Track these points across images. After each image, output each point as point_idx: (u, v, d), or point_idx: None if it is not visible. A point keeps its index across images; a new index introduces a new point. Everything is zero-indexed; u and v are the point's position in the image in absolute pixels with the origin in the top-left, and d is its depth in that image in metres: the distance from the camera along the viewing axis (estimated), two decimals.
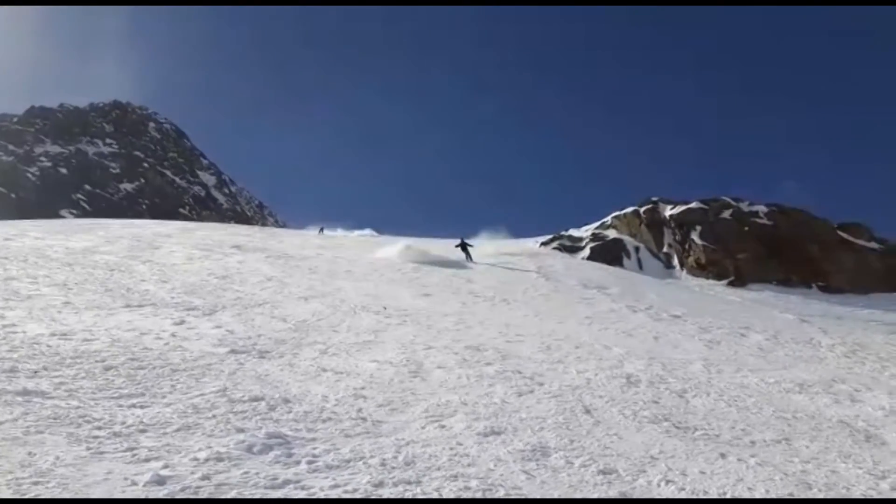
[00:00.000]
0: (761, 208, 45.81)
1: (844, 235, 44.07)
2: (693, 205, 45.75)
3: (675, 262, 43.20)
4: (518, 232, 52.75)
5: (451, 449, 6.26)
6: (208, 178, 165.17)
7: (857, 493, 6.04)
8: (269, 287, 17.64)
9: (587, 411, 8.41)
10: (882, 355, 16.90)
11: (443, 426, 7.10)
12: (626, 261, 42.80)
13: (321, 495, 4.73)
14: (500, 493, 5.06)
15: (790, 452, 7.35)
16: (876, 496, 6.03)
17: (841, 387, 11.73)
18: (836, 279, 39.94)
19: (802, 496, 5.72)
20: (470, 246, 33.37)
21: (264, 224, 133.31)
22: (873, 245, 43.80)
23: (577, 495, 5.20)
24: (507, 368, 10.69)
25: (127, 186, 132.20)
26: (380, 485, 5.02)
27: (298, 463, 5.36)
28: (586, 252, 43.45)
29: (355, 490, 4.86)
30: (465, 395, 8.58)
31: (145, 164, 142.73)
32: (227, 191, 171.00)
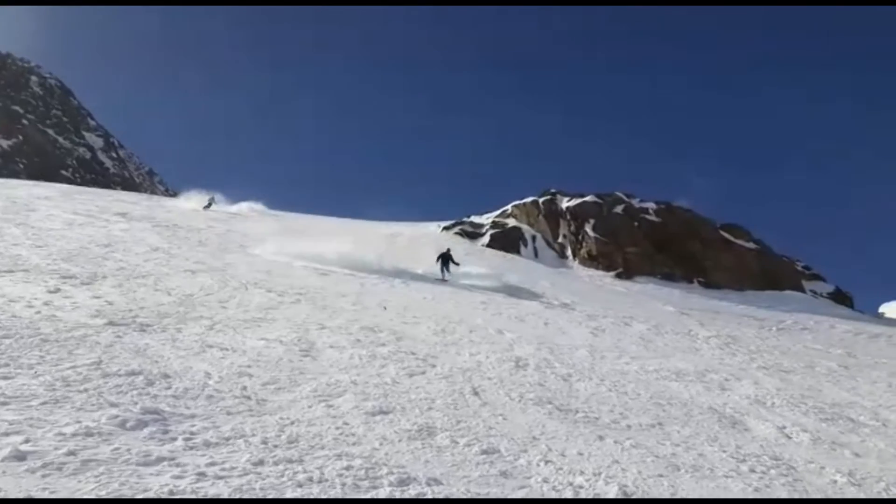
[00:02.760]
0: (651, 205, 48.00)
1: (726, 235, 46.94)
2: (588, 198, 47.31)
3: (569, 252, 44.59)
4: (421, 215, 52.86)
5: (338, 428, 6.19)
6: (95, 140, 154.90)
7: (720, 475, 6.43)
8: (154, 258, 16.80)
9: (476, 393, 8.54)
10: (752, 348, 18.16)
11: (330, 406, 7.00)
12: (523, 249, 43.78)
13: (197, 473, 4.54)
14: (384, 472, 5.04)
15: (663, 436, 7.75)
16: (736, 477, 6.44)
17: (713, 376, 12.50)
18: (716, 276, 42.49)
19: (671, 477, 6.04)
20: (455, 263, 25.17)
21: (154, 192, 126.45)
22: (751, 245, 46.90)
23: (460, 474, 5.27)
24: (401, 350, 10.69)
25: (2, 143, 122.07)
26: (260, 463, 4.88)
27: (175, 440, 5.14)
28: (486, 239, 44.12)
29: (233, 468, 4.71)
30: (356, 376, 8.50)
31: (24, 121, 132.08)
32: (114, 155, 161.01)
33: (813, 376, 14.42)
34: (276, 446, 5.33)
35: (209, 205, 40.97)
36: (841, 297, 46.25)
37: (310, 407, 6.80)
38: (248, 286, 14.83)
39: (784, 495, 5.88)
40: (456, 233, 44.86)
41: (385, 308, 15.15)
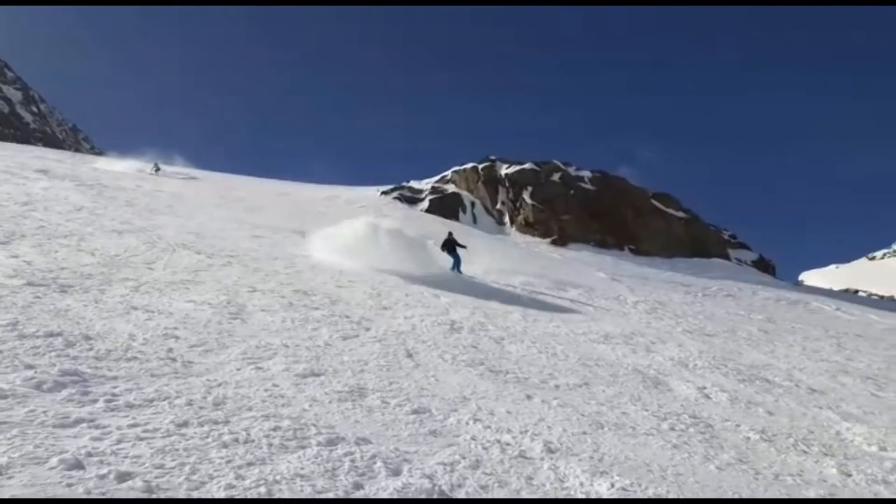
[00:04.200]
0: (586, 174, 48.81)
1: (657, 204, 48.27)
2: (527, 166, 47.74)
3: (507, 219, 45.08)
4: (359, 180, 52.32)
5: (266, 390, 6.12)
6: (13, 94, 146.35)
7: (641, 432, 6.68)
8: (77, 217, 16.10)
9: (409, 355, 8.59)
10: (678, 313, 18.84)
11: (260, 368, 6.91)
12: (461, 215, 44.00)
13: (118, 434, 4.42)
14: (312, 432, 5.02)
15: (589, 395, 7.99)
16: (657, 434, 6.71)
17: (640, 339, 12.93)
18: (646, 244, 43.74)
19: (595, 434, 6.24)
20: (461, 246, 20.74)
21: (78, 150, 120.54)
22: (680, 214, 48.40)
23: (389, 433, 5.30)
24: (335, 313, 10.62)
25: None
26: (184, 424, 4.79)
27: (95, 402, 4.97)
28: (425, 204, 44.10)
29: (156, 430, 4.60)
30: (287, 339, 8.40)
31: None
32: (35, 109, 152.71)
33: (734, 340, 15.08)
34: (201, 408, 5.23)
35: (157, 169, 39.42)
36: (764, 266, 48.40)
37: (238, 369, 6.69)
38: (177, 248, 14.40)
39: (701, 451, 6.15)
40: (395, 198, 44.67)
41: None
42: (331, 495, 3.87)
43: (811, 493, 5.20)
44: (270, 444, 4.70)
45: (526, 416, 6.47)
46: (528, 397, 7.35)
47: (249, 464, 4.29)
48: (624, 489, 4.57)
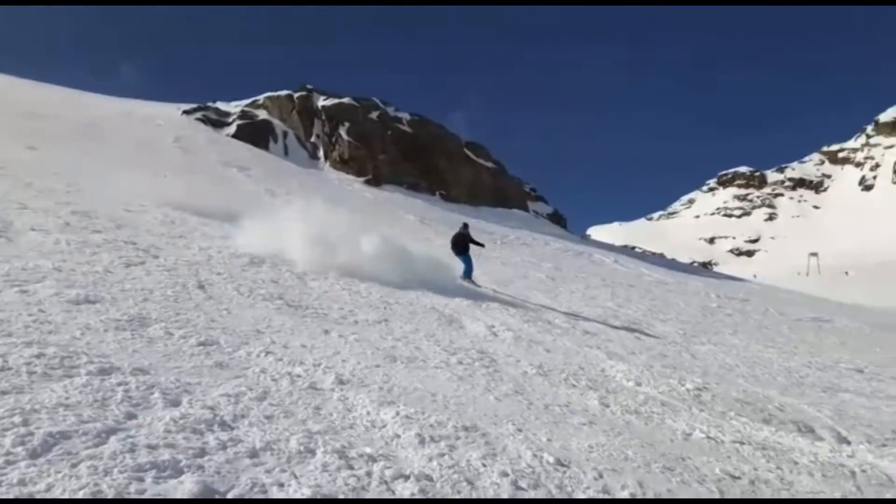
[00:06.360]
0: (405, 116, 49.02)
1: (468, 153, 49.89)
2: (346, 100, 46.78)
3: (321, 153, 44.09)
4: (156, 93, 48.05)
5: (31, 315, 5.51)
6: None
7: (431, 365, 6.93)
8: None
9: (201, 286, 8.17)
10: (479, 257, 19.79)
11: (25, 291, 6.21)
12: (272, 144, 42.23)
13: None
14: (83, 361, 4.60)
15: (386, 331, 8.16)
16: (445, 367, 7.02)
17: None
18: (456, 190, 45.23)
19: (387, 367, 6.39)
20: (478, 244, 15.88)
21: None
22: (489, 165, 50.50)
23: (171, 364, 5.01)
24: (120, 238, 9.80)
25: None
26: None
27: None
28: (233, 129, 41.67)
29: None
30: (60, 262, 7.61)
31: None
32: None
33: (525, 285, 16.20)
34: None
35: None
36: (557, 219, 52.31)
37: None
38: None
39: (483, 383, 6.55)
40: (198, 119, 41.58)
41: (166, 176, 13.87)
42: (98, 425, 3.59)
43: (574, 421, 5.75)
44: (31, 373, 4.25)
45: (321, 350, 6.46)
46: (326, 332, 7.34)
47: (3, 392, 3.85)
48: (408, 417, 4.75)
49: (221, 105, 45.60)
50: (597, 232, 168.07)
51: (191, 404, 4.22)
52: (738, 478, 4.86)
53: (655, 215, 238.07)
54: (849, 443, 6.39)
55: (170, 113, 41.17)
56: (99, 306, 6.25)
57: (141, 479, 3.15)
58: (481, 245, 15.70)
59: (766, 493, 4.63)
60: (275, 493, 3.29)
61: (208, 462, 3.47)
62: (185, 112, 42.13)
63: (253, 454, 3.66)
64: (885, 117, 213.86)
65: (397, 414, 4.79)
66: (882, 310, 32.85)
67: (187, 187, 16.23)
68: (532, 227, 38.74)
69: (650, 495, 4.21)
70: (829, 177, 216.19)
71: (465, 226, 15.69)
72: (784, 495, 4.66)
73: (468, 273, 14.55)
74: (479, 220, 36.03)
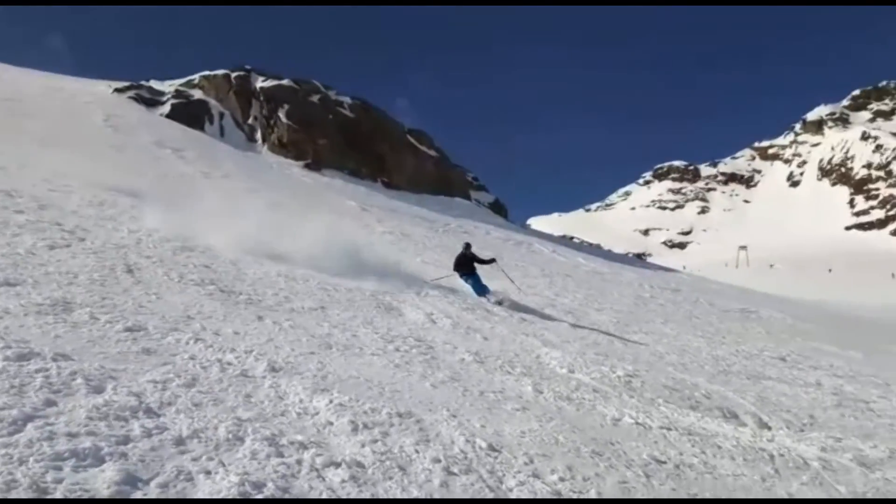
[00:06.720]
0: (347, 100, 48.35)
1: (411, 140, 49.67)
2: (285, 82, 45.83)
3: (259, 136, 43.11)
4: (86, 70, 45.99)
5: None
6: None
7: (368, 353, 6.89)
8: None
9: (129, 270, 7.91)
10: (420, 245, 19.85)
11: None
12: (207, 126, 41.01)
13: None
14: (0, 346, 4.40)
15: (322, 318, 8.07)
16: (382, 354, 7.00)
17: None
18: (398, 178, 44.99)
19: (322, 354, 6.33)
20: (485, 262, 14.20)
21: None
22: (432, 153, 50.42)
23: (95, 350, 4.84)
24: (44, 219, 9.39)
25: None
26: None
27: None
28: (167, 108, 40.28)
29: None
30: None
31: None
32: None
33: None
34: None
35: None
36: (498, 208, 52.73)
37: None
38: None
39: (419, 370, 6.56)
40: (130, 97, 40.04)
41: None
42: (14, 413, 3.44)
43: (508, 408, 5.83)
44: None
45: (254, 337, 6.34)
46: (260, 318, 7.21)
47: None
48: (342, 404, 4.71)
49: (155, 84, 43.94)
50: (537, 222, 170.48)
51: (115, 391, 4.09)
52: (664, 462, 5.02)
53: (593, 206, 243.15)
54: (769, 428, 6.69)
55: (100, 90, 39.48)
56: (20, 289, 5.99)
57: (59, 468, 3.04)
58: (490, 262, 14.06)
59: (691, 477, 4.81)
60: (201, 481, 3.22)
61: (132, 450, 3.37)
62: (117, 90, 40.43)
63: (179, 442, 3.58)
64: (812, 116, 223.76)
65: (331, 401, 4.76)
66: (805, 301, 34.49)
67: (118, 168, 15.62)
68: (473, 216, 38.93)
69: (579, 479, 4.31)
70: (759, 172, 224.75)
71: (468, 245, 14.57)
72: (707, 479, 4.84)
73: (481, 292, 13.11)
74: (421, 208, 36.01)
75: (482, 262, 13.80)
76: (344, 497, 3.39)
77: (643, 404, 6.77)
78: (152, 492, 3.06)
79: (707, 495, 4.51)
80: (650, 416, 6.30)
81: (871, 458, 6.02)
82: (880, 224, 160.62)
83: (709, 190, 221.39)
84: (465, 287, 13.29)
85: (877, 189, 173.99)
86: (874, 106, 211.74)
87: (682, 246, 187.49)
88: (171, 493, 3.08)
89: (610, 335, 11.45)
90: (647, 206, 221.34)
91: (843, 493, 5.03)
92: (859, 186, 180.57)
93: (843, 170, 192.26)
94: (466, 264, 13.60)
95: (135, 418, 3.75)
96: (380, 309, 9.56)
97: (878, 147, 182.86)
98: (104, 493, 2.94)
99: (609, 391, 7.10)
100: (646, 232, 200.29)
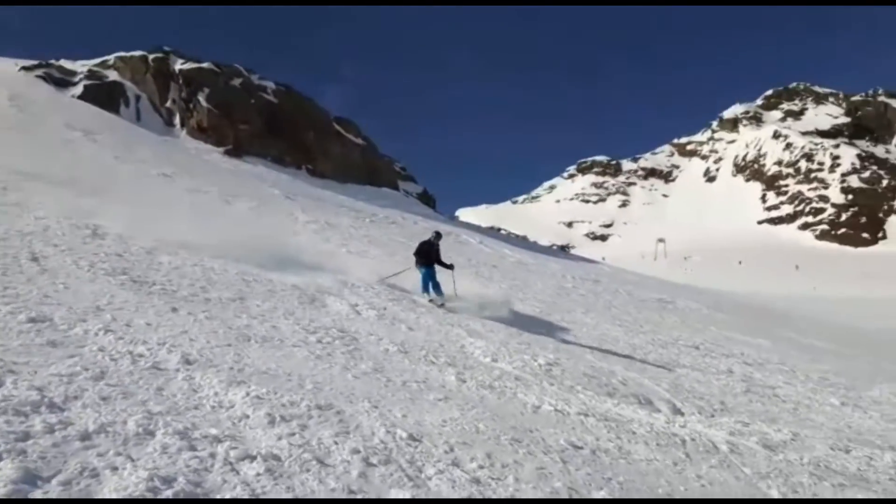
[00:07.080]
0: (270, 85, 47.19)
1: (338, 128, 48.98)
2: (205, 65, 44.28)
3: (177, 120, 41.53)
4: None
5: None
6: None
7: (288, 344, 6.76)
8: None
9: (35, 259, 7.50)
10: (346, 235, 19.60)
11: None
12: (123, 108, 39.19)
13: None
14: None
15: (241, 309, 7.85)
16: (303, 346, 6.89)
17: (304, 258, 13.04)
18: (324, 166, 44.28)
19: (239, 346, 6.17)
20: (447, 266, 12.76)
21: None
22: (359, 141, 49.88)
23: None
24: None
25: None
26: None
27: None
28: (79, 89, 38.27)
29: None
30: None
31: None
32: None
33: (391, 262, 16.21)
34: None
35: None
36: (426, 199, 52.78)
37: None
38: None
39: (342, 362, 6.50)
40: (38, 76, 37.81)
41: None
42: None
43: (430, 397, 5.85)
44: None
45: (167, 329, 6.12)
46: (174, 310, 6.96)
47: None
48: (258, 397, 4.62)
49: (66, 63, 41.55)
50: (465, 213, 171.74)
51: (15, 385, 3.89)
52: (581, 448, 5.17)
53: (520, 199, 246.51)
54: (682, 414, 6.98)
55: (5, 68, 37.10)
56: None
57: None
58: (449, 267, 12.68)
59: (606, 462, 4.96)
60: (108, 477, 3.10)
61: (32, 446, 3.22)
62: (24, 68, 38.04)
63: (85, 437, 3.43)
64: (728, 114, 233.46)
65: (247, 394, 4.66)
66: (718, 291, 36.12)
67: (24, 151, 14.76)
68: (402, 207, 38.79)
69: (497, 466, 4.38)
70: (678, 167, 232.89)
71: (438, 235, 13.36)
72: (621, 464, 5.01)
73: (434, 288, 12.21)
74: (347, 198, 35.58)
75: (440, 262, 12.80)
76: (259, 492, 3.33)
77: (563, 392, 6.95)
78: (54, 490, 2.93)
79: (621, 480, 4.67)
80: (569, 403, 6.47)
81: (775, 440, 6.39)
82: (789, 219, 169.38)
83: (630, 184, 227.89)
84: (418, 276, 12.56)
85: (786, 185, 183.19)
86: (785, 106, 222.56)
87: (603, 238, 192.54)
88: (75, 491, 2.96)
89: (533, 324, 11.65)
90: (571, 199, 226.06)
91: (748, 474, 5.31)
92: (770, 182, 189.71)
93: (756, 166, 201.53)
94: (427, 255, 12.69)
95: (36, 413, 3.58)
96: (302, 300, 9.39)
97: (788, 145, 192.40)
98: None
99: (530, 379, 7.25)
100: (570, 224, 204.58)
